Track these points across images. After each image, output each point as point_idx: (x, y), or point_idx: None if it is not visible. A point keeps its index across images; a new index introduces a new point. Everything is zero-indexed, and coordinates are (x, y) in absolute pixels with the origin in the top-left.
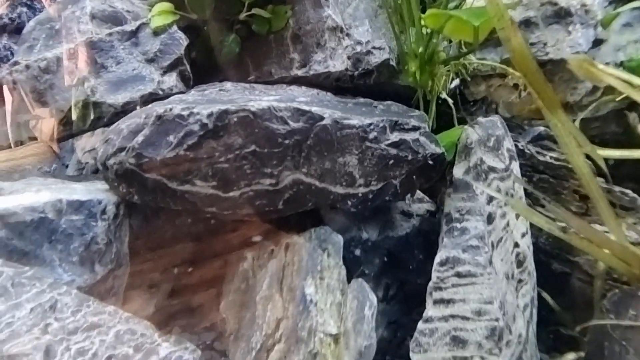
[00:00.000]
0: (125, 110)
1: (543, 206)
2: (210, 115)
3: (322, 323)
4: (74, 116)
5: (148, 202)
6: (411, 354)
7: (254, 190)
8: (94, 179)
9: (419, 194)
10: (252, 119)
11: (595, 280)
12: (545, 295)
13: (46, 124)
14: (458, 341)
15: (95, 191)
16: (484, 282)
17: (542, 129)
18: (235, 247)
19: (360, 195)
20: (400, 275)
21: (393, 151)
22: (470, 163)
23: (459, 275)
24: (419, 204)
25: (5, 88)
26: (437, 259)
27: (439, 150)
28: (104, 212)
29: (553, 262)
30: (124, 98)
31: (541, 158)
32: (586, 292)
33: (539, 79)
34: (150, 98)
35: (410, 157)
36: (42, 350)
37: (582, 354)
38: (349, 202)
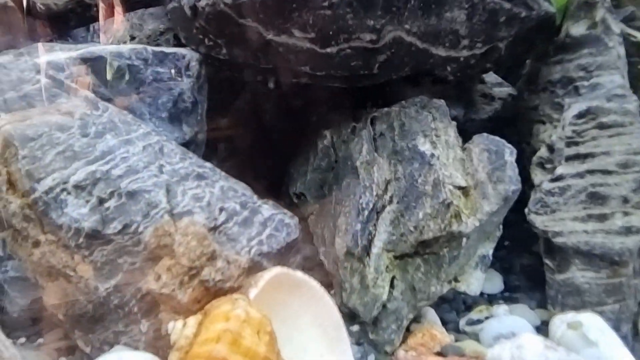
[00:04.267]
0: None
1: None
2: None
3: (449, 176)
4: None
5: (236, 57)
6: (532, 217)
7: (352, 47)
8: None
9: (497, 78)
10: None
11: None
12: None
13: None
14: (597, 197)
15: (175, 48)
16: (633, 132)
17: (632, 9)
18: (306, 125)
19: (462, 59)
20: None
21: (507, 5)
22: (596, 18)
23: (601, 126)
24: (500, 88)
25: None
26: (572, 112)
27: (552, 9)
28: (188, 68)
29: None
30: None
31: (632, 39)
32: None
33: None
34: None
35: (523, 15)
36: (163, 187)
37: None
38: (449, 68)
